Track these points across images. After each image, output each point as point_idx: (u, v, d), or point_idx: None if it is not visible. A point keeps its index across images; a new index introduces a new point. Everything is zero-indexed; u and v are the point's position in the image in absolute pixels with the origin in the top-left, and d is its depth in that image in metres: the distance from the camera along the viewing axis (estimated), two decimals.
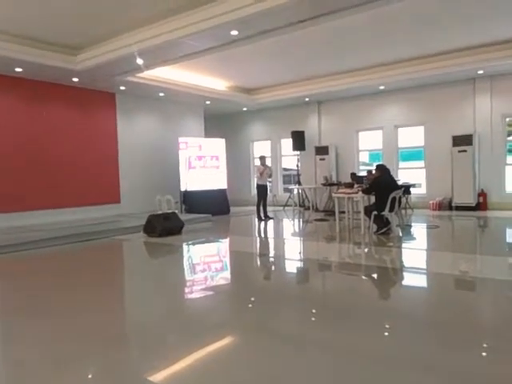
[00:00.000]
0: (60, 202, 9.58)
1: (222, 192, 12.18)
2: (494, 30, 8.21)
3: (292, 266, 6.09)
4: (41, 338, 3.12)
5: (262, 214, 10.31)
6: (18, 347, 2.98)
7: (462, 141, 10.35)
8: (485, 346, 2.78)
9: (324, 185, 11.78)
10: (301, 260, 6.32)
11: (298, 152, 12.92)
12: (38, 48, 7.91)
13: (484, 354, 2.69)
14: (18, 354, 2.85)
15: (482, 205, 10.43)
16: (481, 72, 10.00)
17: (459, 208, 10.44)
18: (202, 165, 11.94)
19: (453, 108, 11.01)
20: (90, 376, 2.55)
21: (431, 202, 11.01)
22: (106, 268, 5.92)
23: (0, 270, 5.99)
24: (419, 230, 8.40)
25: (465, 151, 10.33)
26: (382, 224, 7.24)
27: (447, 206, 10.78)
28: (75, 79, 9.39)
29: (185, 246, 7.43)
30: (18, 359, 2.79)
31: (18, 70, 8.47)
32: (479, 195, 10.49)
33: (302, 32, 7.27)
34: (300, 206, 12.59)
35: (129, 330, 3.45)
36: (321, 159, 12.66)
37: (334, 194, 8.54)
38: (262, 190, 10.39)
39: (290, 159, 14.18)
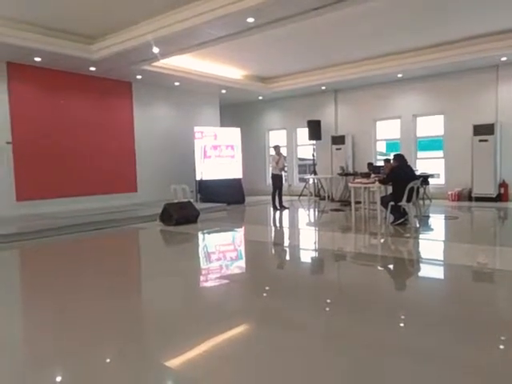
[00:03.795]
0: (77, 190, 9.74)
1: (237, 181, 12.20)
2: None
3: (307, 256, 6.07)
4: (52, 321, 3.20)
5: (277, 204, 10.30)
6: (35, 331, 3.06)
7: (484, 130, 10.10)
8: (502, 338, 2.73)
9: (340, 175, 11.68)
10: (316, 250, 6.30)
11: (314, 141, 12.82)
12: (56, 37, 7.99)
13: (501, 346, 2.64)
14: (38, 340, 2.94)
15: (503, 196, 10.20)
16: (504, 59, 9.69)
17: (479, 199, 10.23)
18: (218, 154, 11.96)
19: (474, 96, 10.71)
20: (107, 360, 2.61)
21: (450, 193, 10.81)
22: (125, 256, 6.02)
23: (24, 257, 6.16)
24: (437, 220, 8.26)
25: (486, 141, 10.08)
26: (399, 215, 7.15)
27: (467, 196, 10.58)
28: (92, 68, 9.46)
29: (200, 235, 7.49)
30: (37, 348, 2.87)
31: (37, 59, 8.58)
32: (500, 186, 10.25)
33: (319, 19, 7.16)
34: (315, 195, 12.53)
35: (146, 317, 3.51)
36: (337, 149, 12.53)
37: (350, 184, 8.45)
38: (277, 180, 10.37)
39: (305, 149, 14.08)
